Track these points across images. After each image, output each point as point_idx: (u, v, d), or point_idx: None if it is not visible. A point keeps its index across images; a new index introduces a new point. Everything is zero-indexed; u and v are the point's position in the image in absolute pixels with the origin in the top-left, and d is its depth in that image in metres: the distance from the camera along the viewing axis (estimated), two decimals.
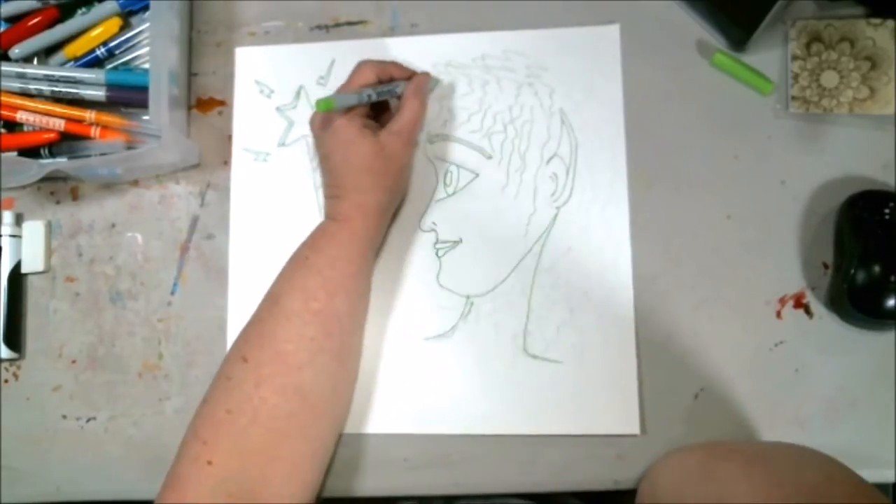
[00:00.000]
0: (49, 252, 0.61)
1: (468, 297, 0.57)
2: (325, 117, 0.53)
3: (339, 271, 0.51)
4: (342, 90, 0.54)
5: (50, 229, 0.61)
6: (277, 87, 0.61)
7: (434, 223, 0.58)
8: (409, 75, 0.57)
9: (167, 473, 0.48)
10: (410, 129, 0.54)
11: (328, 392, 0.51)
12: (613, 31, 0.58)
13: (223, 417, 0.48)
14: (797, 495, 0.38)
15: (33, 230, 0.60)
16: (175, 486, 0.47)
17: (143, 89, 0.55)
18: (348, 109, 0.53)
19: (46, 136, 0.58)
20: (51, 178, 0.61)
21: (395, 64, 0.56)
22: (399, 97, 0.55)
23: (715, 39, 0.58)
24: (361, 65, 0.55)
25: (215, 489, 0.46)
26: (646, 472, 0.53)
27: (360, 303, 0.54)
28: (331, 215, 0.53)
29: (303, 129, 0.60)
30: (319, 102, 0.50)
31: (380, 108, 0.57)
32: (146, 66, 0.60)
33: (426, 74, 0.57)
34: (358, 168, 0.52)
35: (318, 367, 0.49)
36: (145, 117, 0.58)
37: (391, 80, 0.55)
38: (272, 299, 0.51)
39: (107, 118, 0.58)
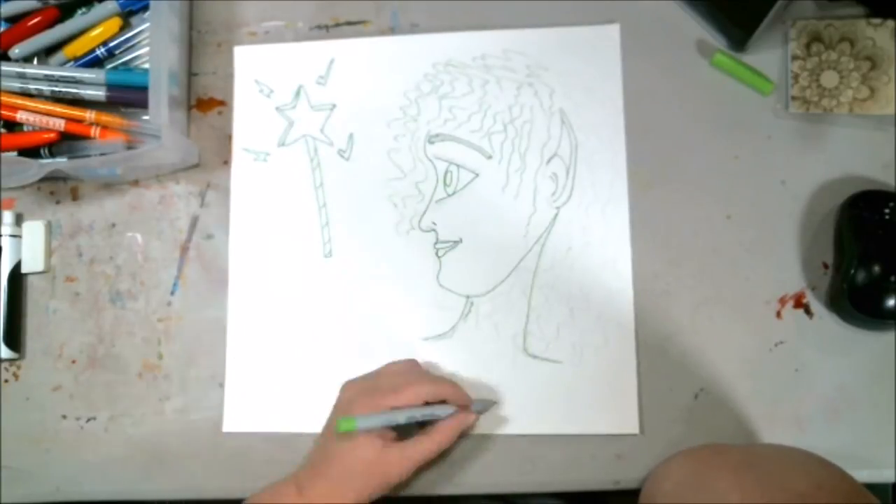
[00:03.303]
0: (49, 252, 0.61)
1: (468, 297, 0.57)
2: (352, 403, 0.50)
3: None
4: (369, 399, 0.50)
5: (50, 229, 0.61)
6: (277, 87, 0.61)
7: (434, 223, 0.58)
8: (463, 403, 0.52)
9: None
10: (422, 459, 0.50)
11: None
12: (614, 30, 0.58)
13: None
14: None
15: (33, 230, 0.60)
16: None
17: (143, 89, 0.55)
18: None
19: (46, 136, 0.58)
20: (51, 178, 0.61)
21: (455, 387, 0.52)
22: (434, 421, 0.51)
23: (715, 39, 0.58)
24: (418, 380, 0.51)
25: None
26: (647, 476, 0.53)
27: None
28: (300, 484, 0.50)
29: (302, 129, 0.60)
30: (340, 423, 0.47)
31: None
32: (146, 66, 0.60)
33: (473, 416, 0.52)
34: (348, 468, 0.49)
35: None
36: (145, 117, 0.58)
37: (443, 401, 0.51)
38: None
39: (107, 118, 0.58)
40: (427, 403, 0.51)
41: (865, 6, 0.57)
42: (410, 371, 0.54)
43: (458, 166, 0.58)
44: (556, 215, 0.57)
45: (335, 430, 0.49)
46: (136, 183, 0.61)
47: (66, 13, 0.60)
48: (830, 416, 0.54)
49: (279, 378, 0.57)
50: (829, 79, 0.56)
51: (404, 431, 0.51)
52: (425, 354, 0.56)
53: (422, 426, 0.51)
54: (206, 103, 0.61)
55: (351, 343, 0.57)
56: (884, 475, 0.53)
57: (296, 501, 0.49)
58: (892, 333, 0.54)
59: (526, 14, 0.59)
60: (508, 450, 0.54)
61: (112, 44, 0.60)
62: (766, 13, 0.55)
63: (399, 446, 0.50)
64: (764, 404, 0.54)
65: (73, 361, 0.59)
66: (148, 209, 0.60)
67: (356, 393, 0.52)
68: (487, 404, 0.54)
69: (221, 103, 0.61)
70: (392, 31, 0.60)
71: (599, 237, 0.56)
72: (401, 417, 0.49)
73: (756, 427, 0.54)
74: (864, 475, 0.42)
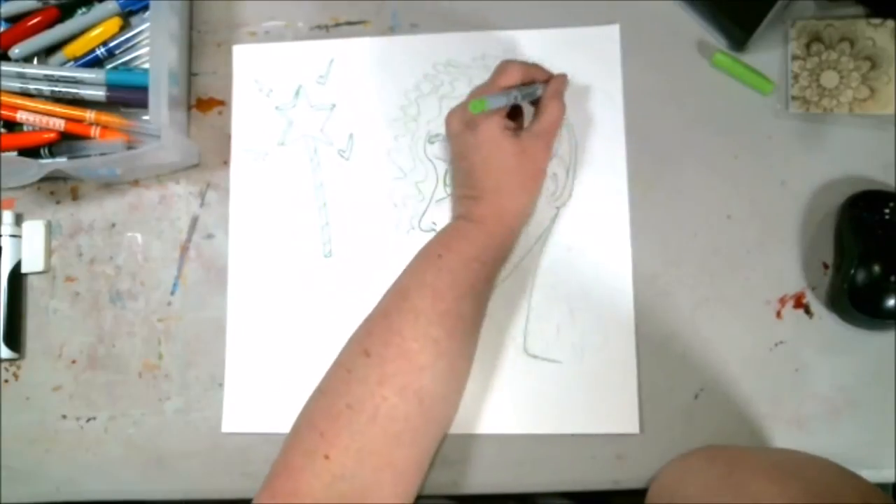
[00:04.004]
0: (49, 252, 0.61)
1: None
2: (465, 116, 0.51)
3: (471, 273, 0.50)
4: (485, 90, 0.52)
5: (50, 229, 0.61)
6: (276, 86, 0.61)
7: (434, 223, 0.58)
8: (548, 77, 0.55)
9: (276, 461, 0.47)
10: (551, 131, 0.53)
11: (441, 398, 0.49)
12: (613, 31, 0.58)
13: (342, 411, 0.46)
14: None
15: (33, 230, 0.60)
16: (290, 476, 0.45)
17: (143, 89, 0.55)
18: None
19: (46, 136, 0.58)
20: (51, 178, 0.61)
21: (536, 66, 0.55)
22: (536, 100, 0.54)
23: (715, 39, 0.58)
24: (507, 65, 0.52)
25: (330, 486, 0.44)
26: (656, 477, 0.53)
27: (483, 307, 0.53)
28: (465, 215, 0.52)
29: (302, 129, 0.60)
30: (473, 104, 0.48)
31: (511, 109, 0.55)
32: (146, 66, 0.60)
33: (564, 77, 0.55)
34: (499, 169, 0.50)
35: (437, 371, 0.48)
36: (145, 117, 0.58)
37: (532, 81, 0.54)
38: (400, 294, 0.50)
39: (107, 118, 0.58)
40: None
41: (865, 6, 0.57)
42: (502, 63, 0.54)
43: None
44: (556, 215, 0.57)
45: (472, 134, 0.50)
46: (136, 183, 0.61)
47: (66, 13, 0.60)
48: (831, 416, 0.54)
49: (279, 378, 0.57)
50: (829, 79, 0.56)
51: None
52: None
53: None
54: (206, 103, 0.61)
55: None
56: (884, 475, 0.53)
57: (470, 227, 0.51)
58: (892, 333, 0.54)
59: (526, 14, 0.59)
60: (508, 450, 0.54)
61: (112, 44, 0.60)
62: (766, 13, 0.55)
63: (527, 130, 0.52)
64: (764, 404, 0.54)
65: (73, 361, 0.59)
66: (148, 209, 0.60)
67: (461, 106, 0.53)
68: (564, 75, 0.56)
69: (221, 103, 0.61)
70: (392, 31, 0.61)
71: (599, 237, 0.56)
72: (516, 94, 0.51)
73: (756, 427, 0.54)
74: (864, 475, 0.41)
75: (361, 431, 0.46)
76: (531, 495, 0.58)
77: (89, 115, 0.58)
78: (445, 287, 0.49)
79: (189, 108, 0.61)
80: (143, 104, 0.56)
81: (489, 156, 0.51)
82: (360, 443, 0.46)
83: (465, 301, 0.49)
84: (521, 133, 0.52)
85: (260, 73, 0.61)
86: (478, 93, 0.53)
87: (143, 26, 0.60)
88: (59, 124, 0.58)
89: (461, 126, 0.52)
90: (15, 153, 0.59)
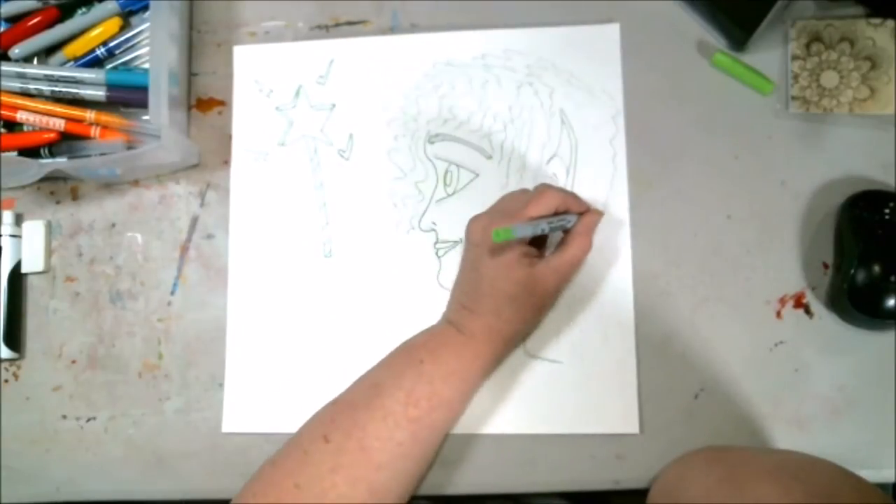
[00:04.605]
0: (49, 252, 0.61)
1: None
2: (488, 228, 0.49)
3: (450, 387, 0.49)
4: (517, 209, 0.50)
5: (50, 229, 0.61)
6: (276, 87, 0.61)
7: (434, 223, 0.58)
8: (584, 209, 0.53)
9: None
10: (571, 268, 0.51)
11: (394, 494, 0.49)
12: (614, 29, 0.58)
13: (290, 490, 0.46)
14: None
15: (33, 230, 0.60)
16: None
17: (143, 89, 0.55)
18: None
19: (46, 136, 0.58)
20: (51, 178, 0.61)
21: (574, 196, 0.53)
22: (567, 231, 0.52)
23: (715, 39, 0.58)
24: (544, 191, 0.51)
25: None
26: (657, 478, 0.52)
27: (456, 418, 0.52)
28: (457, 324, 0.51)
29: (302, 129, 0.60)
30: (497, 233, 0.46)
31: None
32: (146, 66, 0.60)
33: (599, 213, 0.54)
34: (503, 294, 0.49)
35: (397, 471, 0.48)
36: (145, 117, 0.58)
37: (566, 211, 0.52)
38: (373, 388, 0.50)
39: (107, 118, 0.58)
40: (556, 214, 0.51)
41: (865, 6, 0.57)
42: (528, 190, 0.53)
43: (458, 166, 0.58)
44: None
45: (488, 255, 0.49)
46: (136, 183, 0.61)
47: (66, 13, 0.60)
48: (830, 416, 0.54)
49: (279, 378, 0.57)
50: (829, 79, 0.56)
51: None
52: None
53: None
54: (206, 103, 0.61)
55: (351, 343, 0.57)
56: (884, 475, 0.53)
57: (461, 339, 0.50)
58: (892, 333, 0.54)
59: (526, 13, 0.59)
60: (508, 450, 0.54)
61: (112, 44, 0.60)
62: (766, 13, 0.55)
63: (545, 261, 0.50)
64: (764, 404, 0.54)
65: (73, 361, 0.59)
66: (148, 209, 0.60)
67: (487, 220, 0.51)
68: (600, 211, 0.55)
69: (221, 103, 0.61)
70: (392, 31, 0.60)
71: (599, 237, 0.56)
72: (544, 226, 0.49)
73: (756, 427, 0.54)
74: (864, 475, 0.41)
75: None
76: (528, 495, 0.58)
77: (89, 115, 0.58)
78: (422, 395, 0.48)
79: (189, 108, 0.61)
80: (143, 104, 0.56)
81: (498, 278, 0.49)
82: None
83: (439, 412, 0.49)
84: (538, 263, 0.50)
85: (260, 73, 0.61)
86: (506, 211, 0.51)
87: (143, 26, 0.60)
88: (59, 124, 0.58)
89: (481, 237, 0.50)
90: (15, 153, 0.59)
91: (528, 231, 0.48)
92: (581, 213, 0.53)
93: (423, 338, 0.52)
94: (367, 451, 0.47)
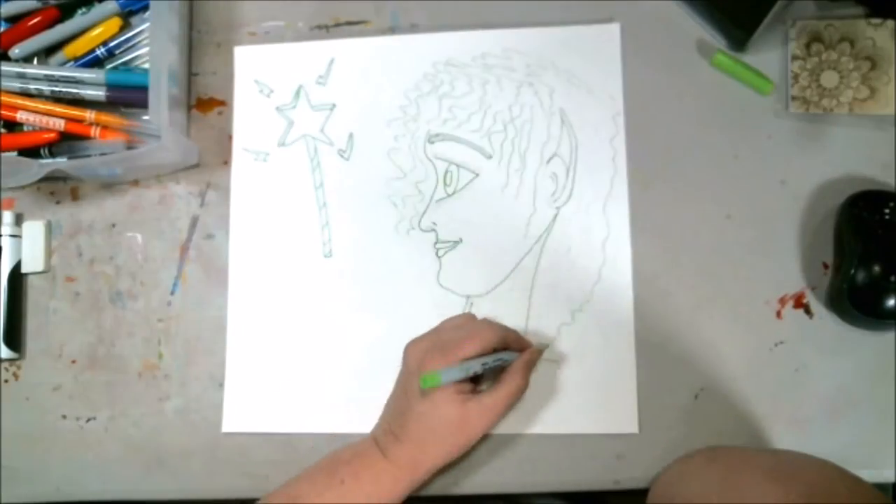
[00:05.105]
0: (49, 252, 0.61)
1: (468, 297, 0.57)
2: (425, 358, 0.49)
3: None
4: (457, 351, 0.49)
5: (50, 229, 0.61)
6: (277, 87, 0.61)
7: (434, 223, 0.58)
8: (523, 347, 0.53)
9: None
10: (505, 407, 0.50)
11: None
12: (614, 29, 0.58)
13: None
14: None
15: (33, 230, 0.60)
16: None
17: (143, 89, 0.55)
18: None
19: (46, 136, 0.58)
20: (51, 178, 0.61)
21: (514, 333, 0.53)
22: (504, 368, 0.51)
23: (715, 39, 0.58)
24: (483, 329, 0.51)
25: None
26: (657, 478, 0.53)
27: None
28: (382, 446, 0.51)
29: (302, 129, 0.60)
30: (425, 379, 0.46)
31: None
32: (146, 66, 0.60)
33: (538, 351, 0.54)
34: (430, 430, 0.49)
35: None
36: (145, 117, 0.58)
37: (505, 347, 0.52)
38: (291, 501, 0.50)
39: (107, 118, 0.58)
40: (494, 351, 0.50)
41: (865, 6, 0.57)
42: (470, 322, 0.54)
43: (458, 166, 0.58)
44: (556, 215, 0.57)
45: (419, 389, 0.48)
46: (136, 183, 0.61)
47: (66, 13, 0.60)
48: (830, 416, 0.54)
49: (279, 378, 0.57)
50: (829, 79, 0.56)
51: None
52: None
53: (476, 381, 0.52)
54: (206, 103, 0.61)
55: (350, 343, 0.57)
56: (884, 475, 0.53)
57: (383, 465, 0.50)
58: (892, 333, 0.54)
59: (526, 13, 0.59)
60: (508, 450, 0.54)
61: (112, 44, 0.60)
62: (766, 13, 0.55)
63: (477, 399, 0.49)
64: (764, 404, 0.54)
65: (73, 361, 0.59)
66: (148, 209, 0.60)
67: (423, 352, 0.51)
68: (543, 346, 0.54)
69: (221, 103, 0.61)
70: (392, 31, 0.60)
71: (599, 237, 0.56)
72: (477, 367, 0.49)
73: (756, 427, 0.54)
74: (864, 475, 0.41)
75: None
76: (528, 495, 0.58)
77: (89, 115, 0.58)
78: None
79: (189, 108, 0.61)
80: (143, 104, 0.56)
81: (427, 413, 0.49)
82: None
83: None
84: (470, 400, 0.49)
85: (260, 73, 0.61)
86: (444, 345, 0.50)
87: (143, 26, 0.60)
88: (59, 124, 0.58)
89: (416, 366, 0.50)
90: (15, 153, 0.59)
91: (457, 375, 0.48)
92: (521, 350, 0.53)
93: (348, 454, 0.51)
94: None
